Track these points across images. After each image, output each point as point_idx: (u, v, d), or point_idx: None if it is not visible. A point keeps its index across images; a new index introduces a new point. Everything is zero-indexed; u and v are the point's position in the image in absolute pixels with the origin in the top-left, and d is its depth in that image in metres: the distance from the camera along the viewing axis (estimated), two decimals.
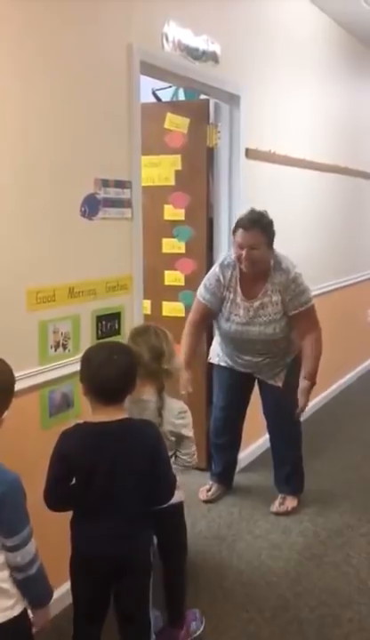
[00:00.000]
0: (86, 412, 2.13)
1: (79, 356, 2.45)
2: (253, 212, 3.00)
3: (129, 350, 2.02)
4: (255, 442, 3.91)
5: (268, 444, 3.55)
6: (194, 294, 3.25)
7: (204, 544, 3.03)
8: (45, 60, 2.23)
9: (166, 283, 3.67)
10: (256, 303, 3.02)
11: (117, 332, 2.69)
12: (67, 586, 2.17)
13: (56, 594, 1.96)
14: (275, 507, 3.35)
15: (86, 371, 1.93)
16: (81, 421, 1.96)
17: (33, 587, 1.66)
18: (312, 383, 3.10)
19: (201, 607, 2.55)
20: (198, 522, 3.21)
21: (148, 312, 3.56)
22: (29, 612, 1.71)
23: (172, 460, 2.24)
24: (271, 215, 4.00)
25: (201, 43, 3.12)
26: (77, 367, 2.47)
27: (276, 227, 4.05)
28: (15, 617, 1.62)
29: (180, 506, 2.37)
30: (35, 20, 2.17)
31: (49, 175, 2.29)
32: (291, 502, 3.37)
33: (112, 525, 1.89)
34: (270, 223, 2.96)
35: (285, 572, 2.82)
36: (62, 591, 2.29)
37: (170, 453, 2.19)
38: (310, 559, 2.92)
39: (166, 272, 3.66)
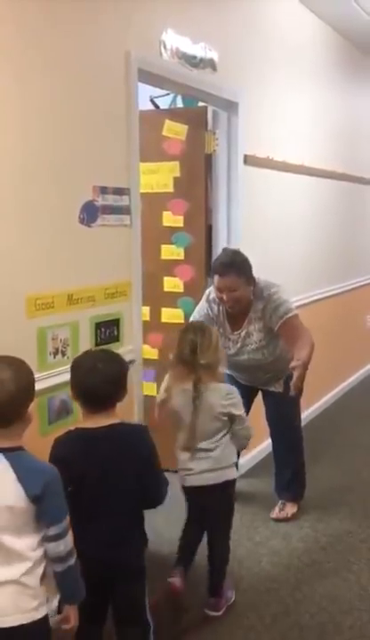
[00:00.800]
0: None
1: None
2: (226, 253, 3.03)
3: (117, 358, 2.06)
4: (256, 448, 3.90)
5: (268, 450, 3.54)
6: (193, 301, 3.24)
7: (203, 551, 3.02)
8: (43, 67, 2.24)
9: (165, 289, 3.67)
10: (243, 332, 3.05)
11: (116, 339, 2.69)
12: None
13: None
14: (275, 513, 3.34)
15: (74, 378, 2.00)
16: (73, 428, 1.99)
17: (72, 578, 1.68)
18: (305, 368, 2.87)
19: (201, 614, 2.55)
20: None
21: (147, 318, 3.56)
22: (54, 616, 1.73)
23: (228, 437, 2.50)
24: (270, 220, 4.04)
25: (199, 50, 3.14)
26: None
27: (274, 232, 4.10)
28: (38, 620, 1.63)
29: (230, 484, 2.55)
30: (32, 27, 2.18)
31: (47, 182, 2.30)
32: (291, 508, 3.36)
33: (103, 530, 1.93)
34: (244, 262, 2.95)
35: (285, 579, 2.81)
36: None
37: (223, 433, 2.48)
38: (311, 565, 2.92)
39: (165, 278, 3.66)
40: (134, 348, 2.82)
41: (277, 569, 2.89)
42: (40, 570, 1.64)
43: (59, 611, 1.73)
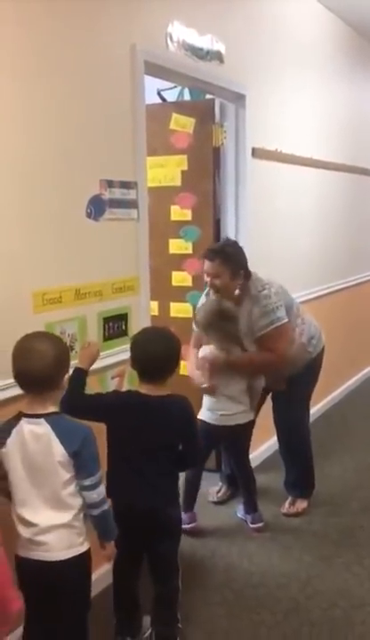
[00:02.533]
0: None
1: None
2: (223, 241, 3.22)
3: (172, 337, 2.27)
4: (265, 442, 3.89)
5: (277, 446, 3.52)
6: (201, 295, 3.23)
7: (214, 545, 3.01)
8: (49, 61, 2.23)
9: (174, 283, 3.66)
10: None
11: (124, 334, 2.68)
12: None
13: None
14: (285, 508, 3.34)
15: (134, 355, 2.23)
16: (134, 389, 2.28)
17: (106, 521, 1.97)
18: (226, 363, 2.92)
19: (211, 609, 2.55)
20: (208, 523, 3.20)
21: (156, 313, 3.55)
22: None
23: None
24: (278, 213, 4.01)
25: (206, 42, 3.11)
26: None
27: (282, 225, 4.07)
28: (82, 553, 1.92)
29: (249, 425, 3.07)
30: (37, 21, 2.17)
31: (54, 177, 2.29)
32: (301, 504, 3.35)
33: (150, 484, 2.18)
34: (234, 254, 2.95)
35: (295, 574, 2.80)
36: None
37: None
38: (321, 560, 2.90)
39: (173, 273, 3.65)
40: None
41: (288, 564, 2.87)
42: (82, 513, 1.92)
43: (100, 545, 2.02)
